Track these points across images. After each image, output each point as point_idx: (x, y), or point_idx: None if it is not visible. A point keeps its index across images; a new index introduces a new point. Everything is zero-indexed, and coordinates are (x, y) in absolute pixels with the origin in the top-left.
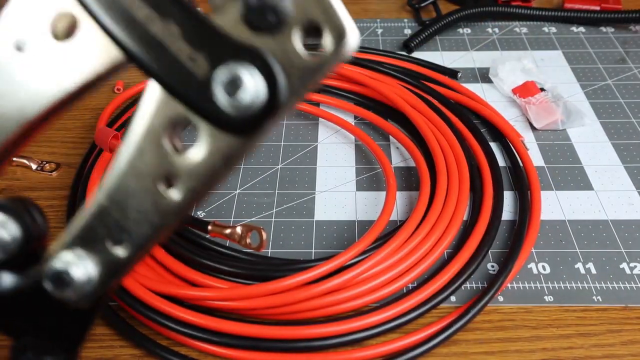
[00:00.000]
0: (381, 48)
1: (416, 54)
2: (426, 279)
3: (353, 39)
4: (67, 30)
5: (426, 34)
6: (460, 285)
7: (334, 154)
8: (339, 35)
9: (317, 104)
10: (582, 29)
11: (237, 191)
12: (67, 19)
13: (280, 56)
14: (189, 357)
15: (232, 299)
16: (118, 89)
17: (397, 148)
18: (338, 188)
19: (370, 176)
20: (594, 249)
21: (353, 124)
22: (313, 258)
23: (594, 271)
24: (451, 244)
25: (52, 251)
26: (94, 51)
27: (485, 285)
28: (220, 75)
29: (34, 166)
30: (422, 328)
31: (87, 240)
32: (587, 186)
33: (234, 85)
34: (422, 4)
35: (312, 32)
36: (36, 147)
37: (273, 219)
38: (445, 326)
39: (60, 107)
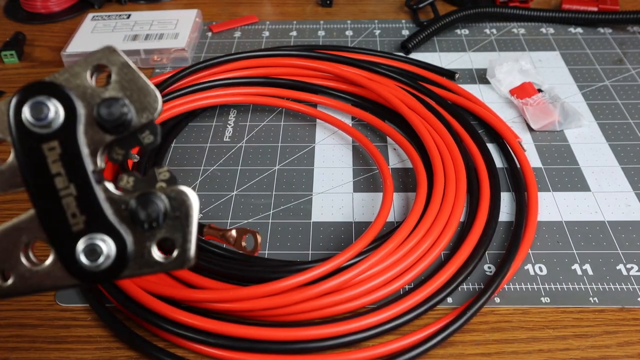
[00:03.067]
0: (379, 49)
1: (414, 55)
2: (423, 281)
3: (190, 262)
4: None
5: (424, 35)
6: (457, 287)
7: (332, 155)
8: (183, 255)
9: (315, 105)
10: (579, 29)
11: (234, 193)
12: None
13: (139, 247)
14: (185, 359)
15: (229, 301)
16: None
17: (395, 149)
18: (335, 189)
19: (367, 177)
20: (591, 250)
21: (350, 125)
22: (310, 259)
23: (590, 272)
24: (448, 245)
25: None
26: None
27: (482, 286)
28: (90, 238)
29: None
30: (419, 329)
31: None
32: (584, 187)
33: (93, 249)
34: (420, 5)
35: (167, 244)
36: None
37: (270, 221)
38: (442, 327)
39: None
